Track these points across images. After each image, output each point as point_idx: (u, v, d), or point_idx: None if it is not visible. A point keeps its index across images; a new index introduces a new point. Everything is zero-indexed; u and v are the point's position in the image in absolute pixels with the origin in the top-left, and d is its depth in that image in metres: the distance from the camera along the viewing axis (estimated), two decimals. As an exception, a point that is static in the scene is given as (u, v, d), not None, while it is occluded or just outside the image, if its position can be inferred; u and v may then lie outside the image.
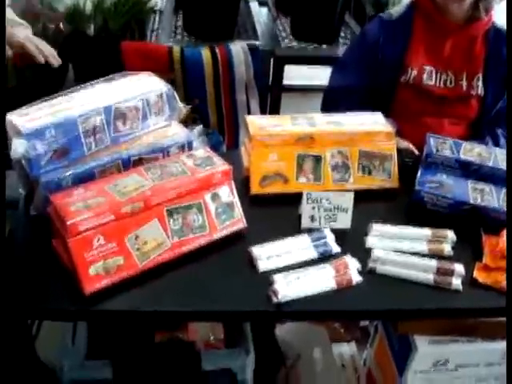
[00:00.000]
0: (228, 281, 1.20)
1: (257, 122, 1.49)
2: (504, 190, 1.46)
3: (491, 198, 1.43)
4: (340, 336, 1.89)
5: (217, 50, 2.11)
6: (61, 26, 2.41)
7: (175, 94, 1.44)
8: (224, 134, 2.26)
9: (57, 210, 1.15)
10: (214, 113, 2.21)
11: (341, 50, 2.40)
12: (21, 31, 1.53)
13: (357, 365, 1.85)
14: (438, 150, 1.52)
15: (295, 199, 1.40)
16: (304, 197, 1.33)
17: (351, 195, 1.34)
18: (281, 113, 2.41)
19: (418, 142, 1.65)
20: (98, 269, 1.12)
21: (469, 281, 1.27)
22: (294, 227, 1.36)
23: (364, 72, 1.83)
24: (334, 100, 1.90)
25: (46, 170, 1.25)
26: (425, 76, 1.78)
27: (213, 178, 1.28)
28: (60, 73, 2.77)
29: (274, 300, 1.15)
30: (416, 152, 1.66)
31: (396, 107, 1.83)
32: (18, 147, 1.20)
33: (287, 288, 1.16)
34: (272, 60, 2.30)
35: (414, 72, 1.78)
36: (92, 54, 2.32)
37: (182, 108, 1.46)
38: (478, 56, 1.78)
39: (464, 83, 1.79)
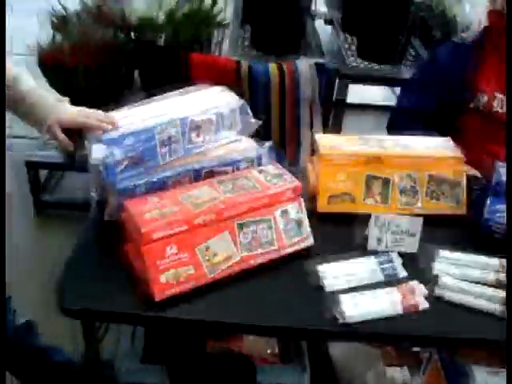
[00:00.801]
0: (294, 297, 1.21)
1: (326, 141, 1.50)
2: None
3: None
4: (392, 360, 1.86)
5: (284, 67, 2.13)
6: (132, 35, 2.48)
7: (248, 108, 1.46)
8: (285, 149, 2.27)
9: (132, 216, 1.17)
10: (277, 127, 2.22)
11: (406, 71, 2.40)
12: (71, 108, 1.37)
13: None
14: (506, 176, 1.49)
15: (361, 220, 1.40)
16: (372, 219, 1.33)
17: (420, 220, 1.33)
18: (342, 130, 2.42)
19: (483, 169, 1.62)
20: (169, 277, 1.14)
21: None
22: (359, 248, 1.35)
23: (433, 95, 1.82)
24: (400, 121, 1.90)
25: (121, 176, 1.29)
26: (495, 103, 1.76)
27: (283, 194, 1.29)
28: (126, 79, 2.85)
29: (341, 320, 1.15)
30: (483, 179, 1.64)
31: (462, 133, 1.80)
32: (97, 153, 1.24)
33: (354, 309, 1.16)
34: (337, 78, 2.31)
35: (485, 98, 1.76)
36: (160, 64, 2.37)
37: (254, 123, 1.48)
38: None
39: None
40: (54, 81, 2.42)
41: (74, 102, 1.35)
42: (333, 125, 2.38)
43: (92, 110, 1.37)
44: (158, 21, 2.29)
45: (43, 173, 2.84)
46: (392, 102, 3.10)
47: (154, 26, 2.29)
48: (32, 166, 2.65)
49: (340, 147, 1.47)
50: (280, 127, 2.23)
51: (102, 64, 2.43)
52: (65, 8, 2.78)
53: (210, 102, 1.42)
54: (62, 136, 1.30)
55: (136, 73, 2.56)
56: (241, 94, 2.10)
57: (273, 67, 2.13)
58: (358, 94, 2.94)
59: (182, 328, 1.29)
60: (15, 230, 2.62)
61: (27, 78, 1.31)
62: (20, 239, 2.60)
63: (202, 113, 1.38)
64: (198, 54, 2.18)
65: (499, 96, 1.75)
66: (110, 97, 2.61)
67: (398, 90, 3.14)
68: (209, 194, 1.25)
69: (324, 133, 2.32)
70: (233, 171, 1.40)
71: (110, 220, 1.29)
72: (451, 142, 1.57)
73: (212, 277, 1.19)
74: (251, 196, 1.26)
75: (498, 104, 1.76)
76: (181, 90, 1.47)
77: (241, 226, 1.23)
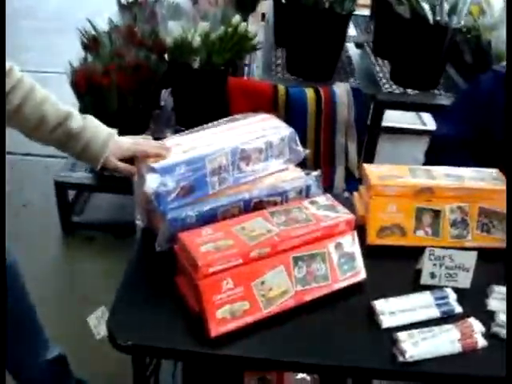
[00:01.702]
0: (348, 334, 1.18)
1: (375, 171, 1.47)
2: None
3: None
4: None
5: (321, 91, 2.12)
6: (165, 56, 2.48)
7: (296, 137, 1.45)
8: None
9: (187, 249, 1.15)
10: (312, 153, 2.20)
11: (441, 98, 2.38)
12: (122, 139, 1.32)
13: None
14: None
15: (412, 252, 1.38)
16: (426, 253, 1.30)
17: (475, 254, 1.30)
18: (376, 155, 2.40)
19: None
20: (225, 312, 1.11)
21: None
22: (411, 282, 1.32)
23: (474, 124, 1.79)
24: (440, 149, 1.87)
25: (172, 206, 1.27)
26: None
27: (337, 226, 1.27)
28: (155, 100, 2.85)
29: (400, 359, 1.12)
30: None
31: (505, 163, 1.77)
32: (152, 182, 1.22)
33: (414, 348, 1.12)
34: (372, 103, 2.29)
35: None
36: (194, 86, 2.37)
37: (302, 152, 1.46)
38: None
39: None
40: (87, 101, 2.42)
41: (106, 123, 1.33)
42: (367, 150, 2.36)
43: (142, 138, 1.36)
44: (193, 43, 2.29)
45: (71, 193, 2.83)
46: (422, 127, 3.10)
47: (189, 48, 2.28)
48: (61, 187, 2.64)
49: (390, 178, 1.44)
50: (315, 152, 2.21)
51: (135, 85, 2.43)
52: (95, 27, 2.79)
53: (259, 130, 1.41)
54: (122, 165, 1.30)
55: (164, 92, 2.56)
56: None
57: (310, 91, 2.12)
58: (388, 116, 2.92)
59: (237, 365, 1.26)
60: (43, 250, 2.61)
61: (77, 114, 1.28)
62: (48, 261, 2.59)
63: (251, 141, 1.37)
64: (234, 78, 2.17)
65: None
66: (142, 117, 2.62)
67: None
68: (263, 226, 1.23)
69: (359, 158, 2.31)
70: (281, 201, 1.38)
71: (160, 251, 1.27)
72: (500, 174, 1.54)
73: (267, 312, 1.16)
74: (305, 229, 1.23)
75: None
76: (229, 118, 1.45)
77: (296, 260, 1.20)
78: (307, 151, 1.48)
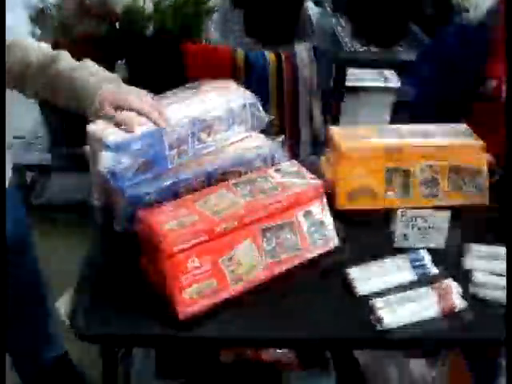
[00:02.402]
0: (323, 305, 1.13)
1: (342, 133, 1.42)
2: None
3: None
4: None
5: (282, 53, 2.04)
6: (116, 24, 2.36)
7: (259, 103, 1.38)
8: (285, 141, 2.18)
9: (149, 228, 1.09)
10: (275, 118, 2.13)
11: (405, 54, 2.32)
12: (124, 86, 1.22)
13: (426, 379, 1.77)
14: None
15: (383, 214, 1.34)
16: (398, 215, 1.26)
17: (448, 214, 1.26)
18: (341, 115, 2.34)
19: (495, 155, 1.56)
20: (193, 292, 1.06)
21: None
22: (384, 246, 1.28)
23: (440, 80, 1.74)
24: (405, 107, 1.83)
25: (130, 183, 1.19)
26: (504, 87, 1.69)
27: (305, 194, 1.21)
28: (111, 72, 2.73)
29: (378, 327, 1.08)
30: (498, 167, 1.58)
31: (471, 119, 1.74)
32: (106, 160, 1.14)
33: (391, 315, 1.09)
34: (334, 63, 2.22)
35: (493, 83, 1.69)
36: (150, 55, 2.26)
37: (265, 118, 1.39)
38: None
39: None
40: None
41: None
42: (332, 111, 2.30)
43: (146, 94, 1.23)
44: (145, 10, 2.18)
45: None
46: (386, 84, 3.04)
47: (141, 15, 2.17)
48: (18, 169, 2.53)
49: (357, 140, 1.39)
50: (278, 117, 2.15)
51: (86, 57, 2.31)
52: (43, 0, 2.64)
53: (219, 98, 1.33)
54: (122, 116, 1.16)
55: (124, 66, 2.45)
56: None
57: (270, 55, 2.04)
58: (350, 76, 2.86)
59: (210, 346, 1.21)
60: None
61: (68, 57, 1.20)
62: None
63: (211, 110, 1.29)
64: (190, 45, 2.08)
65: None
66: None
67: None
68: (227, 199, 1.16)
69: (324, 119, 2.25)
70: (246, 171, 1.31)
71: (120, 231, 1.20)
72: (469, 129, 1.50)
73: (237, 288, 1.11)
74: (272, 199, 1.17)
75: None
76: (187, 86, 1.37)
77: (264, 232, 1.14)
78: (271, 117, 1.41)
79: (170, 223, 1.08)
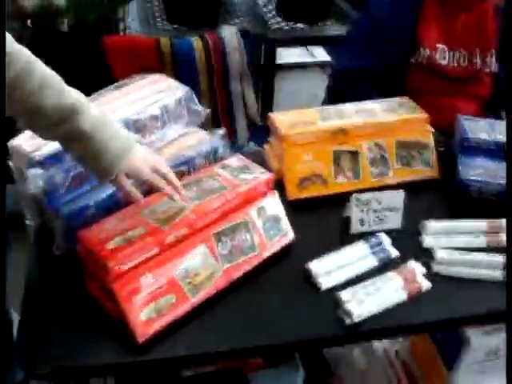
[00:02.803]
0: (287, 306, 1.07)
1: (284, 119, 1.35)
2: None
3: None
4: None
5: (208, 38, 1.95)
6: (28, 22, 2.20)
7: (194, 95, 1.29)
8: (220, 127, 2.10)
9: (91, 249, 0.99)
10: (208, 106, 2.04)
11: (332, 30, 2.28)
12: (139, 153, 1.03)
13: (391, 358, 1.76)
14: (473, 133, 1.42)
15: (336, 200, 1.29)
16: (352, 200, 1.21)
17: (402, 194, 1.23)
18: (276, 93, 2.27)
19: (436, 125, 1.54)
20: (150, 312, 0.97)
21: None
22: (341, 232, 1.24)
23: (372, 52, 1.70)
24: (344, 82, 1.78)
25: (65, 200, 1.09)
26: (438, 55, 1.68)
27: (255, 190, 1.15)
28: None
29: (348, 321, 1.03)
30: (441, 136, 1.56)
31: (407, 88, 1.72)
32: (35, 179, 1.03)
33: (360, 307, 1.04)
34: (263, 43, 2.15)
35: (427, 52, 1.67)
36: (67, 52, 2.11)
37: (202, 111, 1.31)
38: (490, 31, 1.68)
39: (478, 61, 1.69)
40: None
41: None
42: (265, 93, 2.24)
43: (161, 164, 1.07)
44: (57, 3, 2.02)
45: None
46: (314, 59, 3.00)
47: (54, 9, 2.02)
48: None
49: (300, 125, 1.33)
50: (212, 105, 2.06)
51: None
52: None
53: (150, 94, 1.24)
54: (133, 189, 1.03)
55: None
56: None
57: (196, 41, 1.94)
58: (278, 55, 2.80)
59: (177, 366, 1.13)
60: None
61: (87, 108, 0.96)
62: None
63: (144, 109, 1.20)
64: (110, 37, 1.95)
65: (441, 47, 1.67)
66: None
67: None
68: (173, 204, 1.08)
69: (257, 103, 2.18)
70: (189, 170, 1.24)
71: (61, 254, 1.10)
72: (411, 101, 1.47)
73: (197, 300, 1.03)
74: (222, 199, 1.10)
75: (441, 56, 1.68)
76: (115, 84, 1.27)
77: (218, 236, 1.07)
78: (207, 110, 1.33)
79: (115, 240, 0.99)
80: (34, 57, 0.94)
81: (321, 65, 2.48)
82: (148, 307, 0.97)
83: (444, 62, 1.68)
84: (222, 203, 1.09)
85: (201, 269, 1.04)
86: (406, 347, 1.68)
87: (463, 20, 1.66)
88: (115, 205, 1.12)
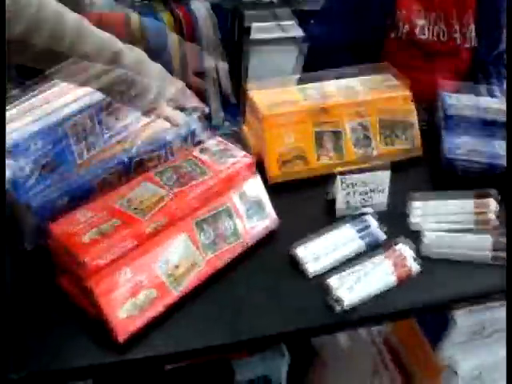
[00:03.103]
0: (276, 294, 1.03)
1: (263, 99, 1.29)
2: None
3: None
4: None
5: (179, 14, 1.86)
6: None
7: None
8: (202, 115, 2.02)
9: (64, 243, 0.93)
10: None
11: (308, 3, 2.19)
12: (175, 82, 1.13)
13: (374, 337, 1.74)
14: (456, 110, 1.39)
15: (319, 181, 1.24)
16: (338, 181, 1.16)
17: (388, 174, 1.19)
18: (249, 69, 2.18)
19: (418, 100, 1.50)
20: (130, 308, 0.92)
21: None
22: (326, 215, 1.20)
23: (350, 26, 1.65)
24: (319, 57, 1.73)
25: (34, 191, 1.02)
26: (417, 30, 1.63)
27: (238, 173, 1.09)
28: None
29: (338, 309, 0.99)
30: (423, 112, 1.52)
31: (386, 60, 1.67)
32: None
33: (350, 293, 1.00)
34: (236, 18, 2.06)
35: (406, 27, 1.62)
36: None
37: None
38: (469, 4, 1.64)
39: (457, 35, 1.65)
40: None
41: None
42: (239, 69, 2.15)
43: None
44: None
45: None
46: (289, 34, 2.90)
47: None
48: None
49: (280, 105, 1.27)
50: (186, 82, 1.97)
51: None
52: None
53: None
54: (175, 112, 1.08)
55: None
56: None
57: (166, 16, 1.85)
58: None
59: (161, 364, 1.08)
60: None
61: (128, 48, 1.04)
62: None
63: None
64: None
65: (421, 22, 1.62)
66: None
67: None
68: (152, 192, 1.02)
69: (231, 80, 2.10)
70: (166, 154, 1.17)
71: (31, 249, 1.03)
72: (393, 77, 1.42)
73: (180, 292, 0.98)
74: (203, 185, 1.04)
75: (421, 31, 1.63)
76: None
77: (199, 225, 1.02)
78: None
79: (89, 233, 0.93)
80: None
81: (293, 40, 2.38)
82: (127, 303, 0.91)
83: (424, 37, 1.64)
84: (204, 190, 1.03)
85: (182, 260, 0.98)
86: (389, 326, 1.66)
87: None
88: (89, 193, 1.05)
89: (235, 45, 2.17)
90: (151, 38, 1.84)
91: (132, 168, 1.12)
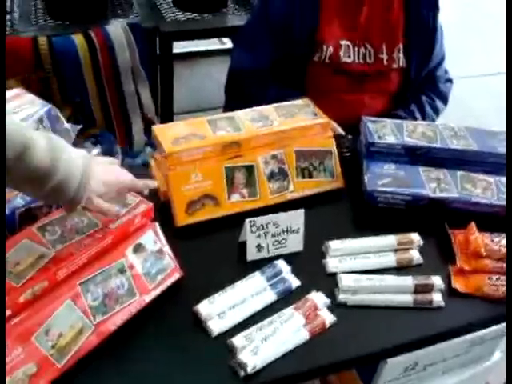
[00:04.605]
0: (176, 356, 0.94)
1: (169, 133, 1.19)
2: (459, 173, 1.30)
3: (449, 186, 1.26)
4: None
5: (92, 34, 1.75)
6: None
7: (59, 113, 1.12)
8: (114, 132, 1.92)
9: None
10: (98, 109, 1.85)
11: (232, 19, 2.11)
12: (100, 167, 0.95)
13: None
14: (379, 137, 1.31)
15: (230, 222, 1.16)
16: (246, 225, 1.08)
17: (301, 213, 1.11)
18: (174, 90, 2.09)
19: (335, 120, 1.42)
20: (3, 389, 0.81)
21: (448, 292, 1.11)
22: (237, 260, 1.11)
23: (272, 48, 1.56)
24: (241, 81, 1.64)
25: None
26: (342, 53, 1.54)
27: (132, 223, 0.99)
28: None
29: (242, 374, 0.91)
30: (347, 137, 1.45)
31: (309, 84, 1.59)
32: None
33: (254, 356, 0.92)
34: (157, 37, 1.96)
35: (330, 49, 1.53)
36: None
37: (70, 130, 1.14)
38: (396, 24, 1.56)
39: (384, 56, 1.57)
40: None
41: None
42: (163, 90, 2.06)
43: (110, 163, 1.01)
44: None
45: None
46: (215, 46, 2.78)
47: None
48: None
49: (186, 139, 1.18)
50: (103, 108, 1.87)
51: None
52: None
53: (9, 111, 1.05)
54: (106, 205, 0.94)
55: None
56: (45, 80, 1.72)
57: (78, 38, 1.74)
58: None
59: None
60: None
61: (40, 140, 0.85)
62: None
63: None
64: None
65: (344, 43, 1.54)
66: None
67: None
68: (32, 251, 0.91)
69: (155, 99, 2.00)
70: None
71: None
72: (310, 103, 1.34)
73: (64, 364, 0.87)
74: (90, 240, 0.94)
75: (345, 53, 1.54)
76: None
77: (86, 286, 0.91)
78: (78, 127, 1.16)
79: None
80: None
81: (219, 50, 2.29)
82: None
83: (349, 60, 1.55)
84: (90, 245, 0.93)
85: (66, 327, 0.88)
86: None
87: (366, 12, 1.53)
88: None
89: (159, 65, 2.08)
90: (62, 63, 1.74)
91: (17, 220, 1.01)
